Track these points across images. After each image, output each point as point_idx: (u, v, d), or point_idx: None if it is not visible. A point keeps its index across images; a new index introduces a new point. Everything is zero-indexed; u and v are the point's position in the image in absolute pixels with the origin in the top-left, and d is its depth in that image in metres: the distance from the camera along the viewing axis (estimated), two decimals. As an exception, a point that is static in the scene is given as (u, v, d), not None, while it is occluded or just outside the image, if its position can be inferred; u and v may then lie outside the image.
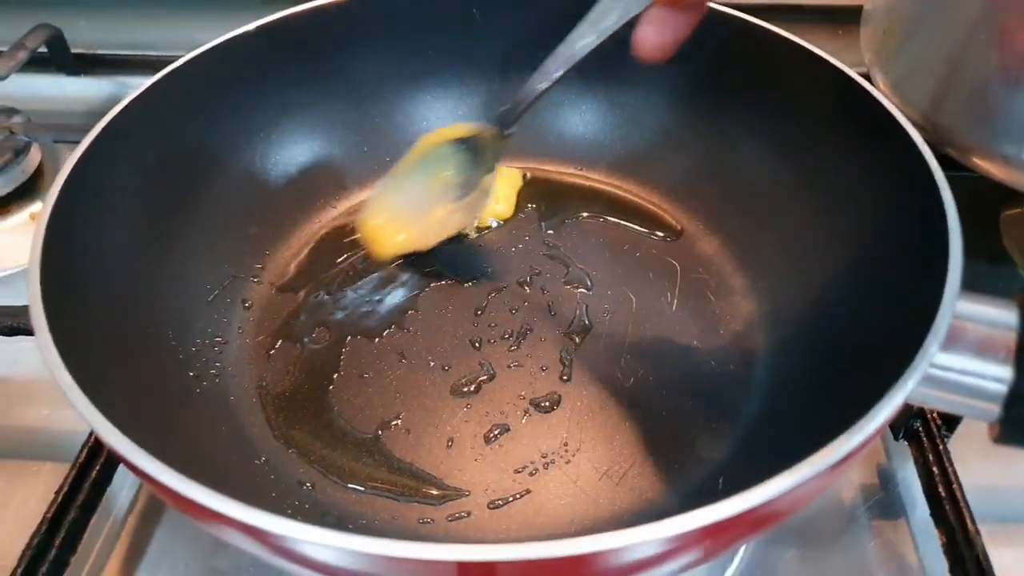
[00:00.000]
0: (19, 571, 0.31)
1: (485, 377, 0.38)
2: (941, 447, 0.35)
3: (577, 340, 0.39)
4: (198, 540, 0.35)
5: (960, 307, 0.26)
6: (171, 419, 0.32)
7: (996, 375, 0.26)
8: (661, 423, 0.36)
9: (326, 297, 0.42)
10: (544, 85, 0.36)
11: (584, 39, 0.35)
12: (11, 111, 0.54)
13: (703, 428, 0.35)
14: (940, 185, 0.31)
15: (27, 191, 0.52)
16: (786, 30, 0.40)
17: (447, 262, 0.43)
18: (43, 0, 0.64)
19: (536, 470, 0.34)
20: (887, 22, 0.47)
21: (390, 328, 0.40)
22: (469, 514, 0.33)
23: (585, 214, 0.46)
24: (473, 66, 0.48)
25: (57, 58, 0.62)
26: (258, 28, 0.41)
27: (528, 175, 0.48)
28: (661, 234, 0.44)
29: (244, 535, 0.23)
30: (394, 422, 0.36)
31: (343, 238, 0.45)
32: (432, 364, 0.38)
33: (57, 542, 0.32)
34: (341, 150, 0.47)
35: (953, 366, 0.26)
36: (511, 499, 0.33)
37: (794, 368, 0.36)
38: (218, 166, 0.42)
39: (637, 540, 0.21)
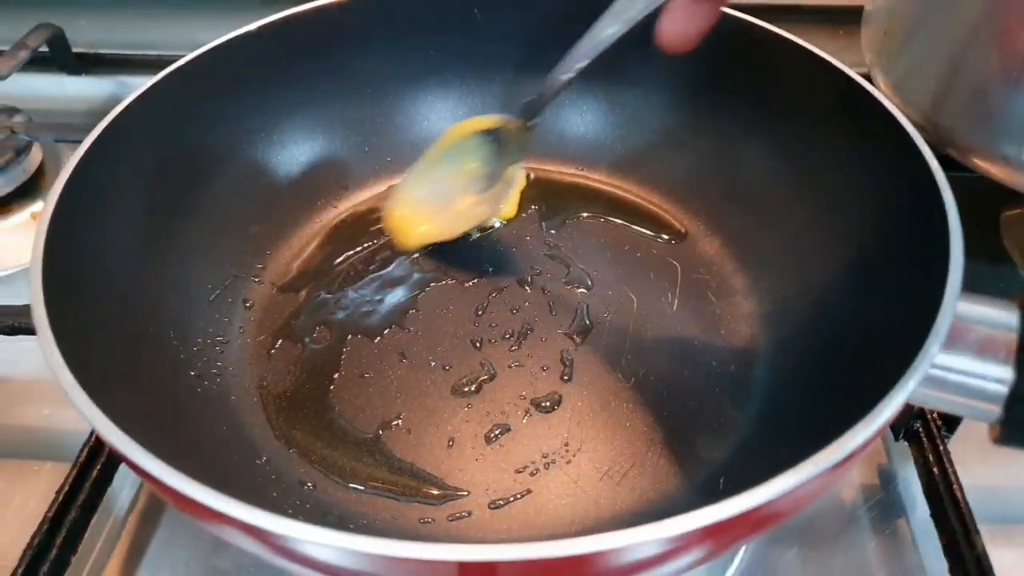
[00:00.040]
0: (20, 570, 0.31)
1: (486, 377, 0.38)
2: (941, 447, 0.35)
3: (578, 340, 0.39)
4: (199, 540, 0.35)
5: (961, 308, 0.26)
6: (172, 419, 0.32)
7: (997, 376, 0.26)
8: (662, 423, 0.36)
9: (327, 297, 0.42)
10: (568, 76, 0.36)
11: (608, 29, 0.35)
12: (12, 110, 0.54)
13: (704, 428, 0.35)
14: (941, 185, 0.31)
15: (28, 190, 0.52)
16: (787, 30, 0.40)
17: (448, 262, 0.43)
18: (44, 0, 0.64)
19: (537, 470, 0.34)
20: (888, 22, 0.47)
21: (391, 328, 0.40)
22: (470, 514, 0.33)
23: (586, 214, 0.46)
24: (474, 66, 0.48)
25: (58, 57, 0.62)
26: (259, 28, 0.41)
27: (531, 175, 0.49)
28: (666, 237, 0.44)
29: (246, 535, 0.23)
30: (395, 422, 0.36)
31: (344, 238, 0.45)
32: (433, 364, 0.38)
33: (58, 541, 0.33)
34: (342, 150, 0.47)
35: (954, 367, 0.26)
36: (512, 499, 0.33)
37: (795, 368, 0.36)
38: (219, 166, 0.42)
39: (638, 540, 0.21)
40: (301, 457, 0.34)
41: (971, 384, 0.26)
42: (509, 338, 0.40)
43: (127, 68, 0.63)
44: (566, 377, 0.38)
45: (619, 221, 0.45)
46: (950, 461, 0.35)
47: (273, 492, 0.32)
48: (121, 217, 0.36)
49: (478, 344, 0.39)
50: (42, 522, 0.33)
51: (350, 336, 0.40)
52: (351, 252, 0.44)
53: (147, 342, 0.34)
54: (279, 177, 0.45)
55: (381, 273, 0.43)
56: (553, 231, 0.45)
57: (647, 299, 0.41)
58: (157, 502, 0.37)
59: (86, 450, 0.35)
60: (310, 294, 0.42)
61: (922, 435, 0.36)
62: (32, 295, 0.27)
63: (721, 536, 0.23)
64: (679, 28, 0.30)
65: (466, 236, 0.45)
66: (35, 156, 0.53)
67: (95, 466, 0.35)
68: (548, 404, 0.37)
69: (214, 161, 0.42)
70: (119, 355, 0.31)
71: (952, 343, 0.26)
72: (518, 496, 0.33)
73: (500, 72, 0.48)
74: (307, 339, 0.39)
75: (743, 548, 0.35)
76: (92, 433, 0.36)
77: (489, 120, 0.42)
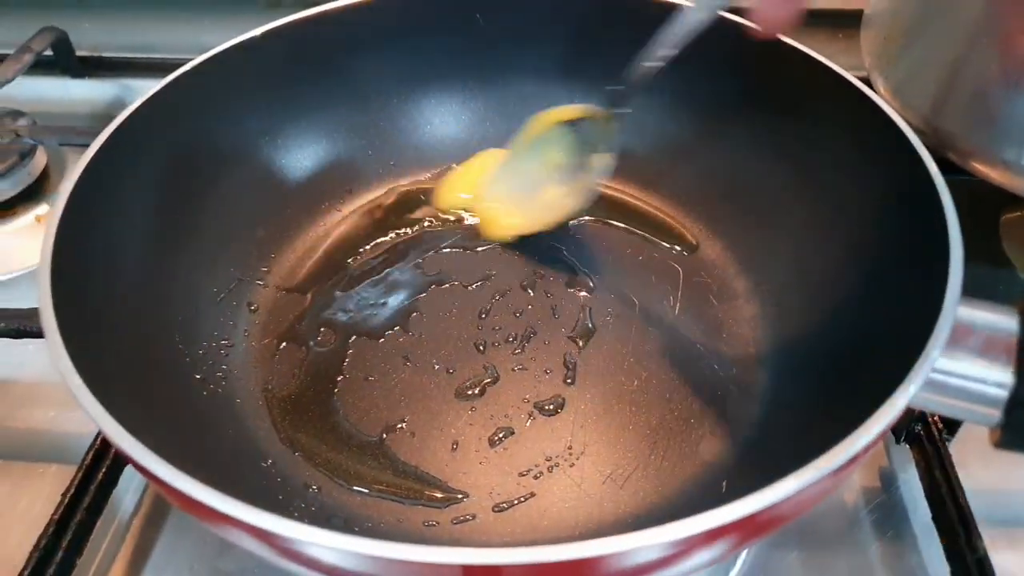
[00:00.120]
0: (27, 572, 0.31)
1: (489, 380, 0.38)
2: (942, 450, 0.36)
3: (580, 343, 0.40)
4: (203, 543, 0.35)
5: (961, 312, 0.27)
6: (178, 422, 0.32)
7: (997, 380, 0.26)
8: (665, 426, 0.36)
9: (331, 300, 0.42)
10: (656, 64, 0.37)
11: (695, 16, 0.36)
12: (17, 114, 0.54)
13: (706, 432, 0.35)
14: (940, 190, 0.31)
15: (33, 193, 0.53)
16: (787, 34, 0.40)
17: (451, 265, 0.44)
18: (48, 3, 0.64)
19: (540, 473, 0.34)
20: (888, 26, 0.47)
21: (395, 331, 0.40)
22: (474, 517, 0.33)
23: (588, 218, 0.46)
24: (476, 70, 0.48)
25: (62, 61, 0.62)
26: (264, 33, 0.41)
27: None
28: (666, 244, 0.44)
29: (253, 538, 0.23)
30: (399, 425, 0.36)
31: (348, 241, 0.45)
32: (436, 367, 0.38)
33: (64, 544, 0.33)
34: (346, 153, 0.47)
35: (954, 371, 0.26)
36: (516, 502, 0.33)
37: (796, 372, 0.36)
38: (224, 169, 0.42)
39: (641, 544, 0.21)
40: (306, 460, 0.35)
41: (971, 388, 0.26)
42: (512, 341, 0.40)
43: (130, 71, 0.63)
44: (569, 380, 0.38)
45: (620, 225, 0.46)
46: (951, 464, 0.35)
47: (278, 495, 0.33)
48: (127, 220, 0.36)
49: (481, 347, 0.39)
50: (48, 524, 0.33)
51: (354, 339, 0.40)
52: (355, 255, 0.44)
53: (153, 345, 0.35)
54: (284, 180, 0.45)
55: (385, 276, 0.43)
56: (555, 234, 0.45)
57: (649, 302, 0.41)
58: (162, 505, 0.37)
59: (91, 453, 0.35)
60: (314, 297, 0.42)
61: (923, 438, 0.36)
62: (41, 298, 0.28)
63: (724, 539, 0.23)
64: (773, 13, 0.32)
65: (468, 240, 0.45)
66: (39, 159, 0.53)
67: (100, 469, 0.35)
68: (551, 407, 0.37)
69: (219, 165, 0.42)
70: (125, 358, 0.32)
71: (952, 347, 0.26)
72: (522, 499, 0.33)
73: (502, 76, 0.48)
74: (311, 342, 0.40)
75: (745, 551, 0.35)
76: (97, 436, 0.36)
77: (572, 110, 0.42)
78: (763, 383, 0.37)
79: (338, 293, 0.42)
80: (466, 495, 0.34)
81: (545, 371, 0.38)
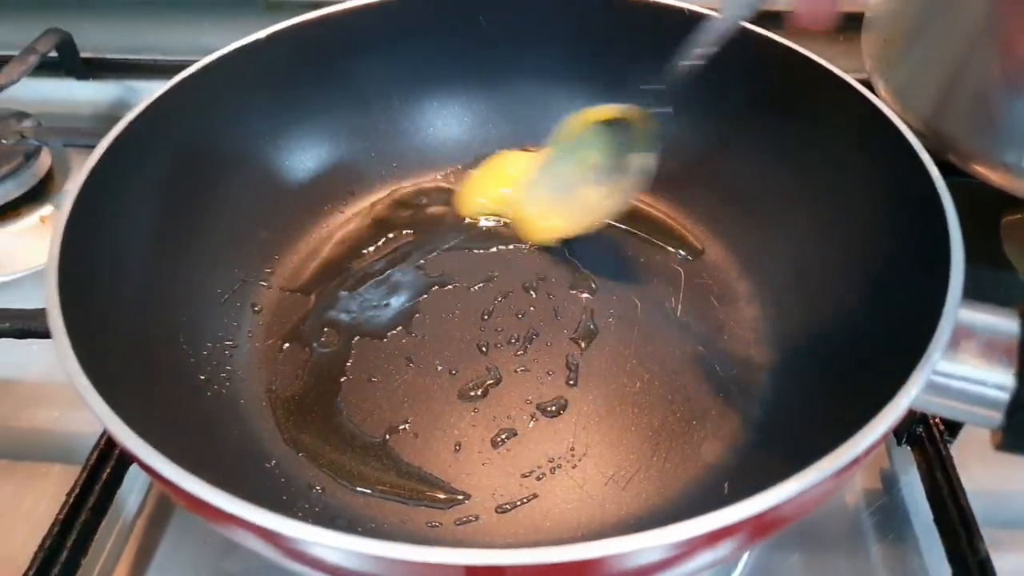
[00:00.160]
0: (32, 572, 0.32)
1: (492, 381, 0.38)
2: (944, 452, 0.36)
3: (583, 345, 0.40)
4: (206, 543, 0.35)
5: (962, 315, 0.27)
6: (182, 422, 0.33)
7: (998, 383, 0.26)
8: (667, 428, 0.36)
9: (334, 301, 0.42)
10: (695, 62, 0.37)
11: (734, 13, 0.36)
12: (21, 115, 0.55)
13: (708, 433, 0.36)
14: (941, 192, 0.31)
15: (37, 194, 0.53)
16: (786, 37, 0.40)
17: (453, 266, 0.44)
18: (53, 5, 0.65)
19: (543, 474, 0.34)
20: (888, 29, 0.47)
21: (398, 332, 0.40)
22: (477, 518, 0.33)
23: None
24: (478, 72, 0.48)
25: (66, 62, 0.62)
26: (269, 36, 0.42)
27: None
28: (672, 249, 0.44)
29: (259, 538, 0.23)
30: (402, 426, 0.36)
31: (351, 242, 0.45)
32: (439, 368, 0.39)
33: (69, 544, 0.33)
34: (349, 155, 0.47)
35: (955, 373, 0.26)
36: (518, 503, 0.33)
37: (798, 374, 0.36)
38: (228, 171, 0.42)
39: (644, 545, 0.22)
40: (310, 461, 0.35)
41: (972, 391, 0.26)
42: (515, 343, 0.40)
43: (134, 73, 0.63)
44: (571, 382, 0.38)
45: (622, 227, 0.46)
46: (953, 466, 0.35)
47: (283, 495, 0.33)
48: (133, 222, 0.36)
49: (484, 349, 0.40)
50: (53, 524, 0.33)
51: (357, 339, 0.40)
52: (358, 256, 0.44)
53: (157, 346, 0.35)
54: (287, 182, 0.45)
55: (387, 277, 0.43)
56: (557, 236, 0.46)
57: (651, 304, 0.42)
58: (165, 505, 0.37)
59: (96, 453, 0.35)
60: (318, 298, 0.42)
61: (925, 440, 0.36)
62: (48, 299, 0.28)
63: (726, 541, 0.24)
64: (813, 8, 0.33)
65: (470, 242, 0.45)
66: (44, 160, 0.53)
67: (105, 469, 0.35)
68: (554, 409, 0.37)
69: (223, 166, 0.42)
70: (130, 359, 0.32)
71: (953, 350, 0.26)
72: (524, 500, 0.34)
73: (504, 77, 0.48)
74: (315, 343, 0.40)
75: (746, 553, 0.35)
76: (102, 436, 0.36)
77: (609, 110, 0.41)
78: (765, 385, 0.37)
79: (341, 294, 0.42)
80: (469, 496, 0.34)
81: (547, 372, 0.38)
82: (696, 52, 0.37)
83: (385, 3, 0.45)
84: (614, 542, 0.21)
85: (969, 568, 0.32)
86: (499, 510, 0.33)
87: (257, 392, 0.37)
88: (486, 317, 0.41)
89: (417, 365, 0.39)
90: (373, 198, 0.47)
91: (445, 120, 0.49)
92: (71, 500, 0.34)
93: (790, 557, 0.35)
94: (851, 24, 0.53)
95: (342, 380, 0.38)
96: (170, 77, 0.39)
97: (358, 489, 0.34)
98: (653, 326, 0.40)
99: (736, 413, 0.36)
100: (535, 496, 0.34)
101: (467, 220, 0.46)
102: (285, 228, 0.44)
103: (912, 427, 0.37)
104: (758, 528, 0.24)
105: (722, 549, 0.24)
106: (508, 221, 0.46)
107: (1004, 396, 0.26)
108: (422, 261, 0.44)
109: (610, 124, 0.41)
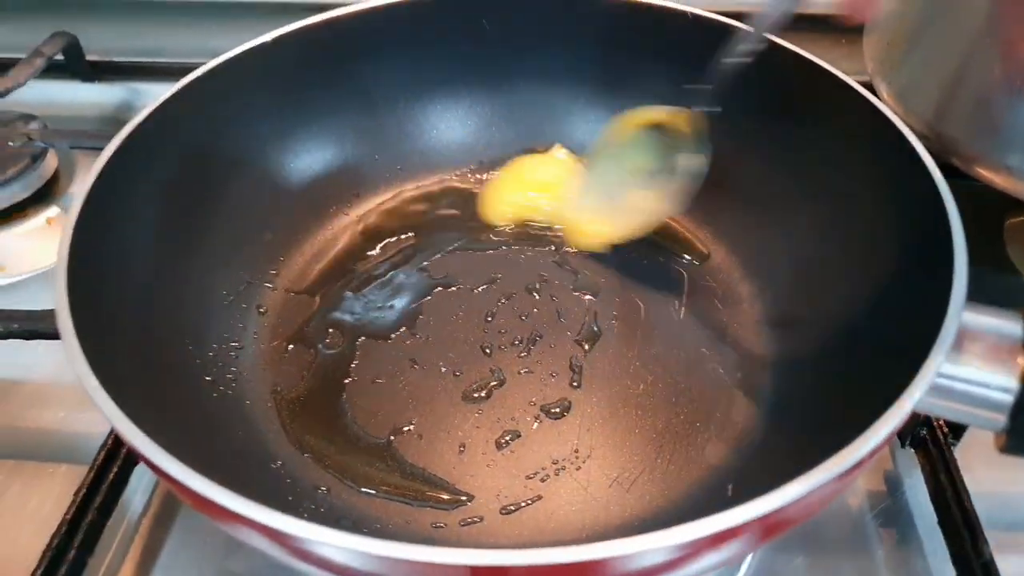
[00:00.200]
0: (40, 572, 0.32)
1: (496, 383, 0.38)
2: (948, 454, 0.36)
3: (586, 347, 0.40)
4: (211, 543, 0.36)
5: (966, 318, 0.27)
6: (189, 423, 0.33)
7: (1002, 385, 0.26)
8: (670, 430, 0.36)
9: (339, 302, 0.42)
10: (741, 60, 0.37)
11: (779, 7, 0.36)
12: (28, 117, 0.55)
13: (712, 435, 0.36)
14: (944, 195, 0.31)
15: (43, 196, 0.53)
16: (789, 39, 0.40)
17: (457, 268, 0.44)
18: (59, 8, 0.65)
19: (547, 476, 0.35)
20: (891, 32, 0.47)
21: (402, 333, 0.41)
22: (481, 519, 0.33)
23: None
24: (482, 75, 0.48)
25: (73, 65, 0.63)
26: (275, 39, 0.42)
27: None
28: (677, 255, 0.44)
29: (265, 537, 0.23)
30: (406, 427, 0.36)
31: (356, 244, 0.45)
32: (443, 370, 0.39)
33: (76, 543, 0.33)
34: (354, 158, 0.47)
35: (959, 376, 0.26)
36: (523, 505, 0.34)
37: (801, 376, 0.36)
38: (234, 173, 0.42)
39: (647, 547, 0.22)
40: (315, 462, 0.35)
41: (976, 393, 0.26)
42: (518, 344, 0.40)
43: (140, 75, 0.64)
44: (575, 383, 0.38)
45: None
46: (956, 468, 0.35)
47: (288, 496, 0.33)
48: (140, 224, 0.36)
49: (488, 350, 0.40)
50: (60, 524, 0.33)
51: (361, 340, 0.40)
52: (362, 258, 0.45)
53: (163, 347, 0.35)
54: (292, 184, 0.45)
55: (392, 279, 0.43)
56: (560, 238, 0.46)
57: (654, 306, 0.42)
58: (171, 505, 0.37)
59: (103, 453, 0.35)
60: (322, 300, 0.42)
61: (928, 442, 0.37)
62: (58, 301, 0.28)
63: (729, 543, 0.24)
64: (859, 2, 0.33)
65: (473, 244, 0.45)
66: (50, 162, 0.54)
67: (111, 469, 0.35)
68: (558, 410, 0.37)
69: (229, 168, 0.42)
70: (137, 360, 0.32)
71: (957, 352, 0.26)
72: (529, 502, 0.34)
73: (508, 81, 0.49)
74: (320, 344, 0.40)
75: (750, 555, 0.35)
76: (109, 436, 0.36)
77: (654, 112, 0.41)
78: (768, 387, 0.37)
79: (346, 296, 0.43)
80: (473, 497, 0.34)
81: (551, 374, 0.39)
82: (742, 49, 0.36)
83: (390, 7, 0.45)
84: (618, 543, 0.21)
85: (973, 571, 0.32)
86: (503, 511, 0.33)
87: (262, 393, 0.38)
88: (490, 319, 0.41)
89: (421, 366, 0.39)
90: (378, 200, 0.48)
91: (449, 123, 0.49)
92: (78, 500, 0.34)
93: (794, 559, 0.35)
94: (853, 27, 0.53)
95: (346, 381, 0.38)
96: (176, 80, 0.39)
97: (363, 490, 0.34)
98: (656, 328, 0.41)
99: (740, 415, 0.36)
100: (539, 497, 0.34)
101: (470, 224, 0.46)
102: (290, 230, 0.44)
103: (916, 429, 0.37)
104: (762, 530, 0.24)
105: (726, 551, 0.24)
106: (527, 225, 0.46)
107: (1008, 399, 0.26)
108: (426, 263, 0.44)
109: (656, 126, 0.41)
